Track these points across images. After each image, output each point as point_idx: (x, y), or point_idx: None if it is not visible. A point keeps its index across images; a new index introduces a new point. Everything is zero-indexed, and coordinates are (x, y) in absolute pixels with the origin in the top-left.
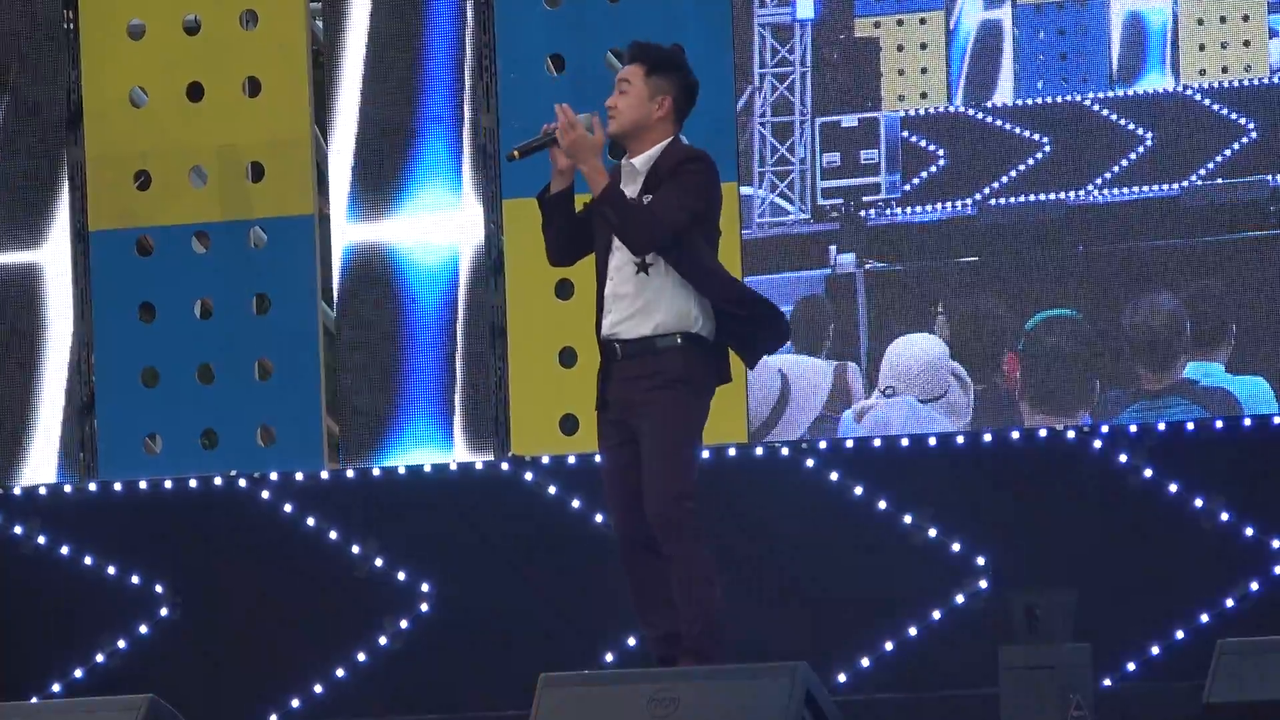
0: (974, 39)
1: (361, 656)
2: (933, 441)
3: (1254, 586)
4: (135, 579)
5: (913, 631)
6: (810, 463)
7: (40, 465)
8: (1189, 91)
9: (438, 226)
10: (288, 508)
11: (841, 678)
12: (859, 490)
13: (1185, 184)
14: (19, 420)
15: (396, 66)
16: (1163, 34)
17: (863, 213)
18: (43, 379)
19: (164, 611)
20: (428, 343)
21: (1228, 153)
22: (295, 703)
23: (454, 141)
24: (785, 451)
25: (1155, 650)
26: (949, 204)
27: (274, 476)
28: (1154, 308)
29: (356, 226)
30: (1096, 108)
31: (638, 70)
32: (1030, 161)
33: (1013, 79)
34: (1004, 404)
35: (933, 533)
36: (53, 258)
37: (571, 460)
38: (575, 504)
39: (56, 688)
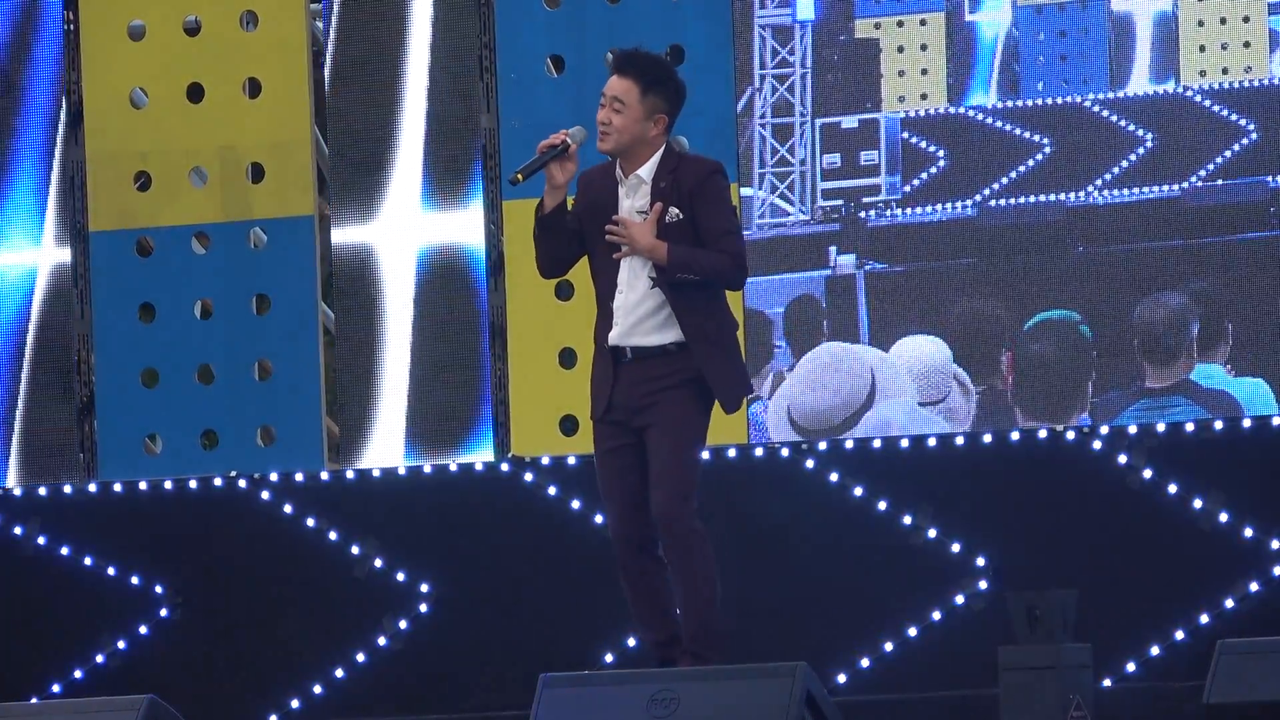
0: (974, 40)
1: (361, 656)
2: (933, 442)
3: (1254, 586)
4: (135, 579)
5: (913, 631)
6: (810, 463)
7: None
8: (1189, 93)
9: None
10: (288, 508)
11: (841, 678)
12: (859, 490)
13: (1185, 185)
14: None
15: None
16: (1163, 35)
17: (863, 214)
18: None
19: (164, 611)
20: None
21: (1228, 154)
22: (295, 703)
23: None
24: (785, 452)
25: (1155, 650)
26: (949, 205)
27: (274, 476)
28: (1160, 305)
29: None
30: (1097, 109)
31: (632, 88)
32: (1030, 163)
33: (1013, 80)
34: (1000, 407)
35: (933, 533)
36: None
37: (571, 460)
38: (575, 504)
39: (56, 688)
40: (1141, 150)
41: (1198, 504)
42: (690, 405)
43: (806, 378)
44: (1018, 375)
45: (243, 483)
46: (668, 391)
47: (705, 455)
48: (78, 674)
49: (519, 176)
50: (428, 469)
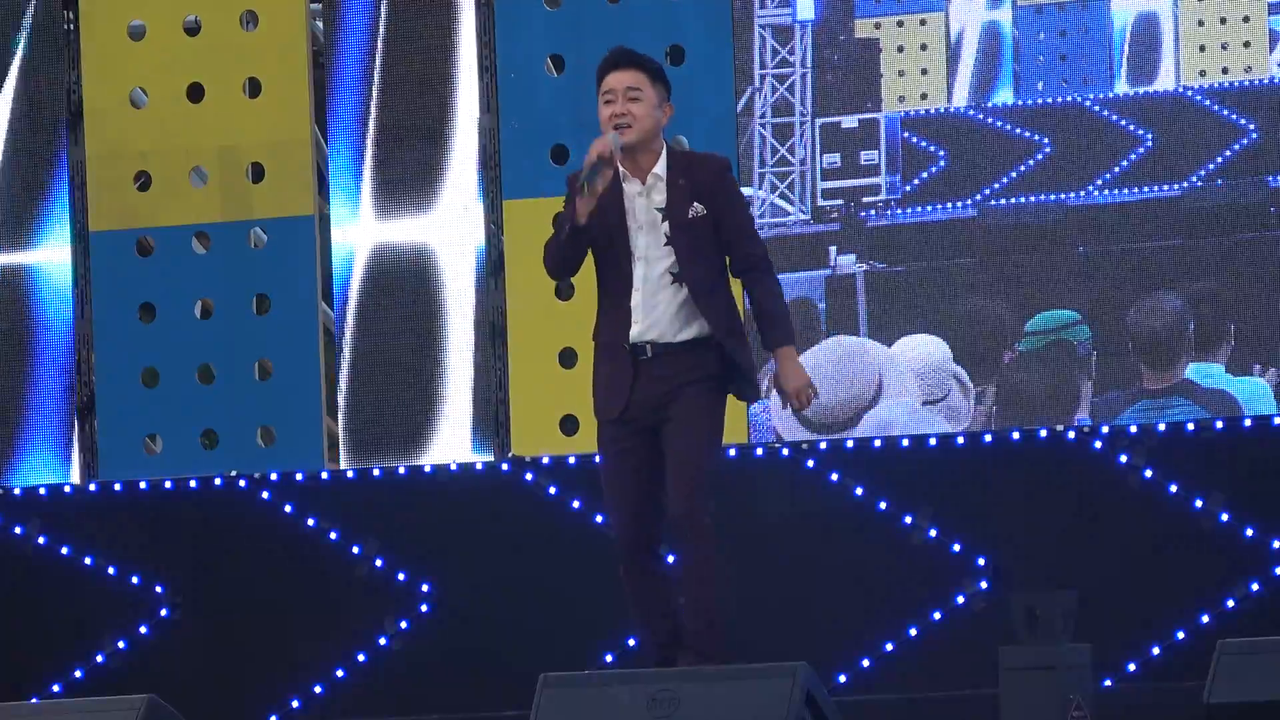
0: (974, 40)
1: (361, 656)
2: (933, 442)
3: (1254, 586)
4: (135, 579)
5: (913, 631)
6: (810, 463)
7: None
8: (1189, 92)
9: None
10: (288, 508)
11: (842, 678)
12: (859, 490)
13: (1185, 185)
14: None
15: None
16: (1163, 35)
17: (863, 213)
18: (43, 379)
19: (164, 611)
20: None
21: (1228, 154)
22: (295, 703)
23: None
24: (785, 451)
25: (1155, 650)
26: (949, 204)
27: (274, 476)
28: (1158, 306)
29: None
30: (1097, 108)
31: (643, 78)
32: (1031, 162)
33: (1013, 80)
34: (999, 409)
35: (933, 533)
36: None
37: (571, 460)
38: (575, 504)
39: (56, 688)
40: (1141, 150)
41: (1198, 504)
42: (711, 400)
43: (813, 373)
44: (1002, 396)
45: (243, 483)
46: (688, 387)
47: None
48: (78, 674)
49: (584, 186)
50: (428, 469)
